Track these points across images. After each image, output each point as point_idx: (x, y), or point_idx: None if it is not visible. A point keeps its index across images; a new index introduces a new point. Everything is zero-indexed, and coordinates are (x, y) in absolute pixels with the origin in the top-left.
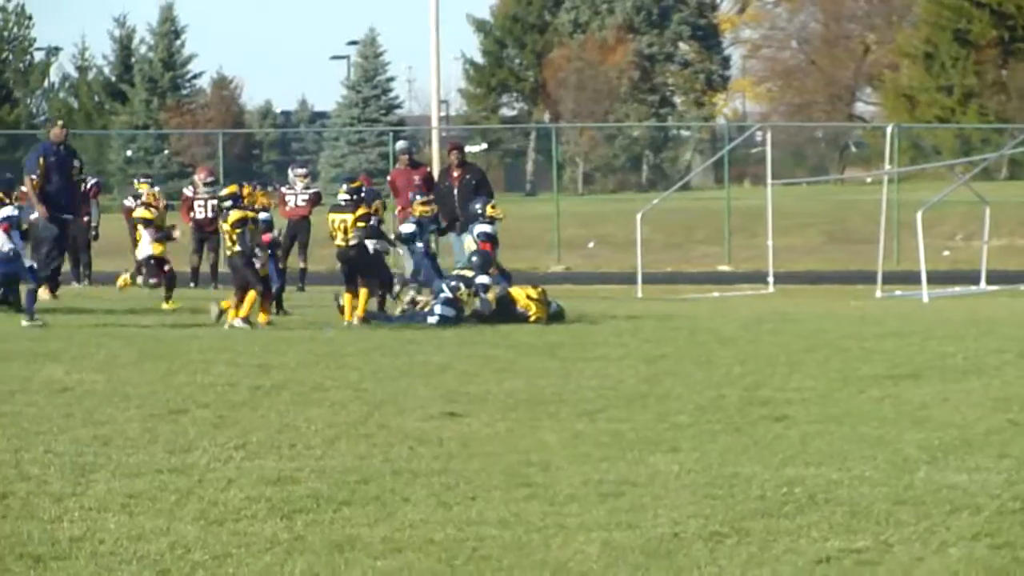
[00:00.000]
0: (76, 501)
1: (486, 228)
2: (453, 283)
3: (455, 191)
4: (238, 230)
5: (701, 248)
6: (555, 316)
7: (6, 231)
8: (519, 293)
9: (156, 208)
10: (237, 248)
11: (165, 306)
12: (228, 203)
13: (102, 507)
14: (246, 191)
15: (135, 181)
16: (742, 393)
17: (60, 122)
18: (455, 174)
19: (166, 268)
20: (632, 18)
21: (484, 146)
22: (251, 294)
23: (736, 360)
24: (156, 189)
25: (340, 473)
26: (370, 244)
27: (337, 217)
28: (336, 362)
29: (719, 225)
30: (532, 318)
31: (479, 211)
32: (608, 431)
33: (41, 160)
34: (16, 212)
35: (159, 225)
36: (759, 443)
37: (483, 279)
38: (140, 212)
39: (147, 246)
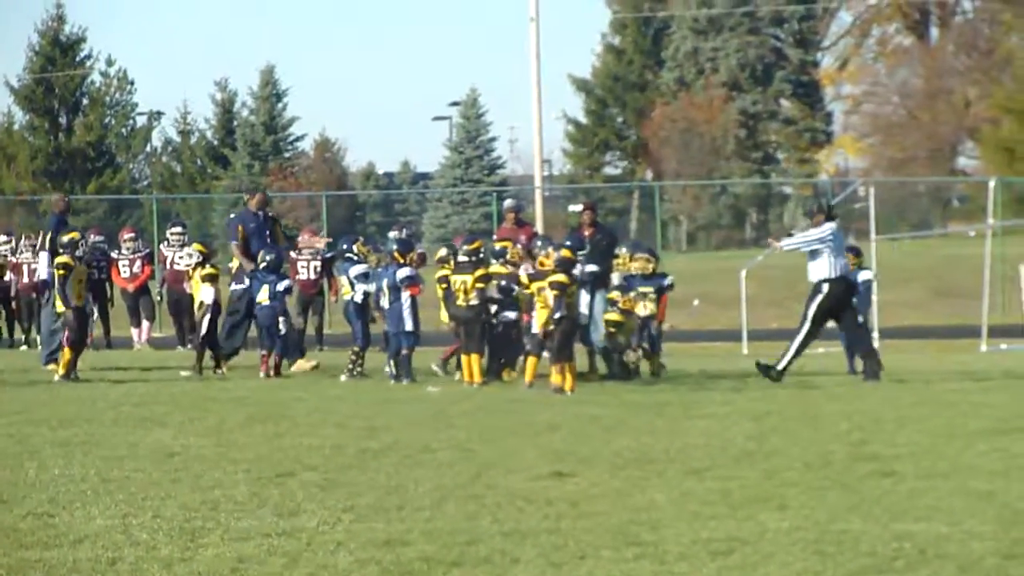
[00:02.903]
0: (185, 566)
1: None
2: None
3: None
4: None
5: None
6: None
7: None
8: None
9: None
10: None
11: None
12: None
13: (211, 572)
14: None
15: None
16: (849, 449)
17: (261, 188)
18: (587, 233)
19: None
20: (736, 75)
21: (579, 207)
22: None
23: (843, 416)
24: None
25: (449, 534)
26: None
27: (458, 278)
28: (443, 423)
29: None
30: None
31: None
32: (716, 489)
33: (240, 228)
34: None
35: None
36: (867, 499)
37: None
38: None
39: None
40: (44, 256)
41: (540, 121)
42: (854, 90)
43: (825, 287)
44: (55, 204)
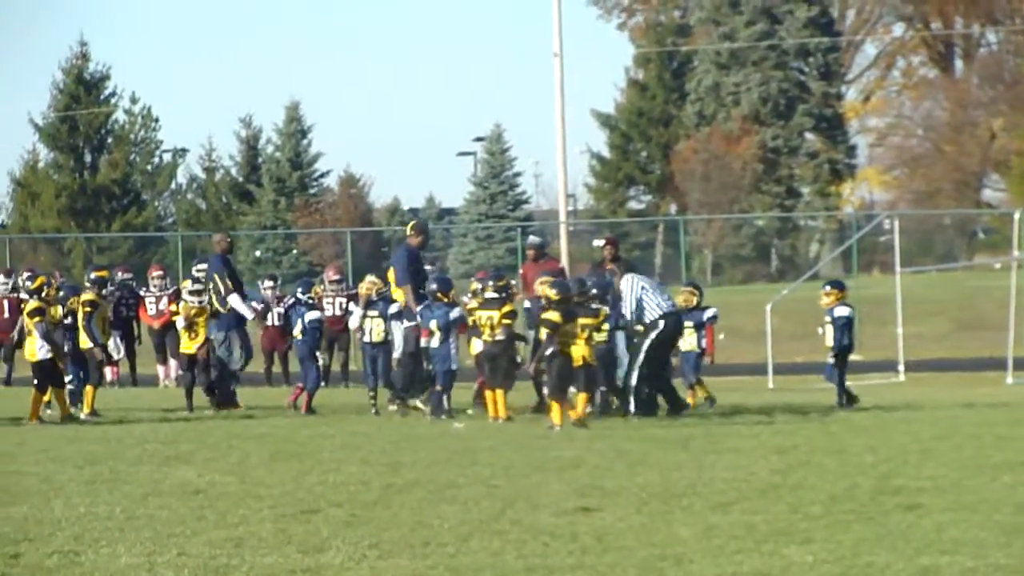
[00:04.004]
0: None
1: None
2: None
3: None
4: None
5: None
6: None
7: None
8: None
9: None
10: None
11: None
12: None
13: None
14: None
15: (260, 282)
16: (875, 482)
17: (426, 227)
18: (608, 268)
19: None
20: (758, 109)
21: (602, 242)
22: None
23: (868, 449)
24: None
25: (474, 571)
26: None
27: (484, 314)
28: (468, 459)
29: None
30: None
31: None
32: (741, 523)
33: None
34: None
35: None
36: (893, 532)
37: None
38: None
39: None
40: (234, 298)
41: (564, 156)
42: (879, 123)
43: (661, 323)
44: (217, 243)
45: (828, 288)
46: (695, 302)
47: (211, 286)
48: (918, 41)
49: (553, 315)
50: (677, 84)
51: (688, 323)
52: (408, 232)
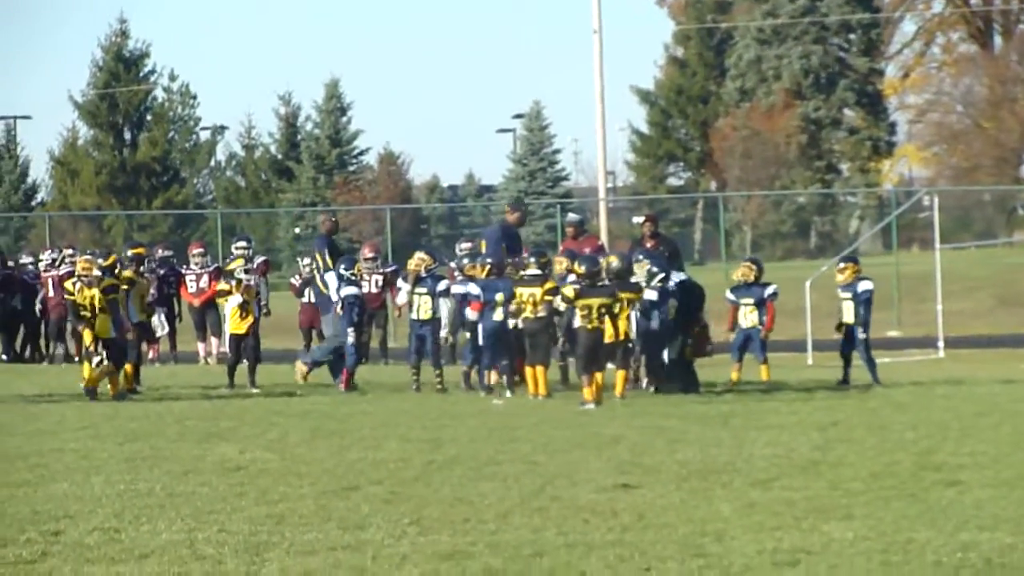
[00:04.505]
0: None
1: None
2: None
3: None
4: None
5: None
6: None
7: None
8: None
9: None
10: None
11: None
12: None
13: None
14: None
15: (299, 259)
16: (915, 459)
17: (523, 205)
18: (648, 245)
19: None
20: (800, 81)
21: (641, 219)
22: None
23: (908, 426)
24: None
25: (514, 547)
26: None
27: (525, 291)
28: (508, 435)
29: (888, 290)
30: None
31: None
32: (782, 499)
33: (504, 248)
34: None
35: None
36: (933, 508)
37: None
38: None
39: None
40: (331, 276)
41: (604, 133)
42: (918, 99)
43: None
44: (322, 224)
45: (842, 264)
46: (753, 277)
47: (316, 264)
48: (957, 17)
49: (567, 290)
50: (717, 61)
51: (748, 300)
52: (505, 209)
